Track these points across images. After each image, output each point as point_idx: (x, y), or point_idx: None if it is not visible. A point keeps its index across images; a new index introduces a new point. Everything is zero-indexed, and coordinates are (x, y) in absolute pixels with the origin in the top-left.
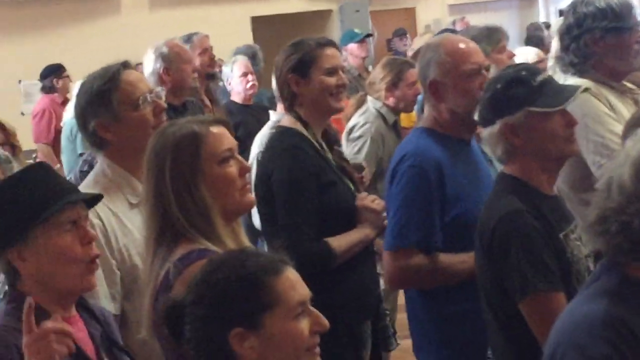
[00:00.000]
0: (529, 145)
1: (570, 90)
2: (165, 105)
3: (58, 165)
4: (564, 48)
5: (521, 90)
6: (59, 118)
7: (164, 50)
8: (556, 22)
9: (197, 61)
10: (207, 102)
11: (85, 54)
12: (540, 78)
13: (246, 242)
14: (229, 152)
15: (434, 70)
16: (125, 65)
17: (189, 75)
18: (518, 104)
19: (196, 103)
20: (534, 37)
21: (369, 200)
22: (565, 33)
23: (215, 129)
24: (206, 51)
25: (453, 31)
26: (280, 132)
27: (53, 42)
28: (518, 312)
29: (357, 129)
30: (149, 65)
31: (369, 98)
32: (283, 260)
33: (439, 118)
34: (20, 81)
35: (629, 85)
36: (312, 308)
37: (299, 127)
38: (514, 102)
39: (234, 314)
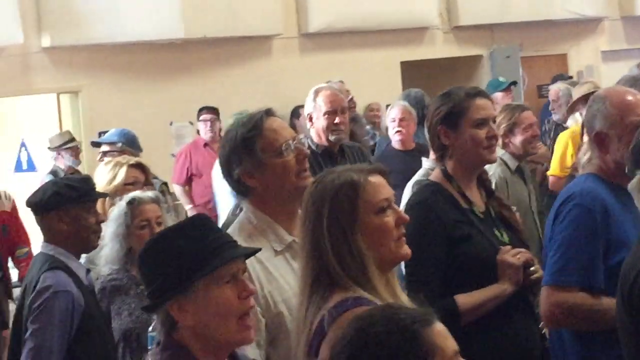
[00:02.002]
0: None
1: None
2: (308, 152)
3: (190, 207)
4: None
5: None
6: (194, 160)
7: (317, 95)
8: None
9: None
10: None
11: (236, 96)
12: None
13: (400, 292)
14: (386, 202)
15: (600, 122)
16: (268, 112)
17: (332, 124)
18: None
19: (355, 148)
20: None
21: (511, 254)
22: None
23: (373, 179)
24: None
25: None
26: (420, 187)
27: (204, 84)
28: None
29: None
30: (306, 107)
31: None
32: (430, 312)
33: (604, 168)
34: (171, 123)
35: None
36: (462, 359)
37: (444, 182)
38: None
39: None
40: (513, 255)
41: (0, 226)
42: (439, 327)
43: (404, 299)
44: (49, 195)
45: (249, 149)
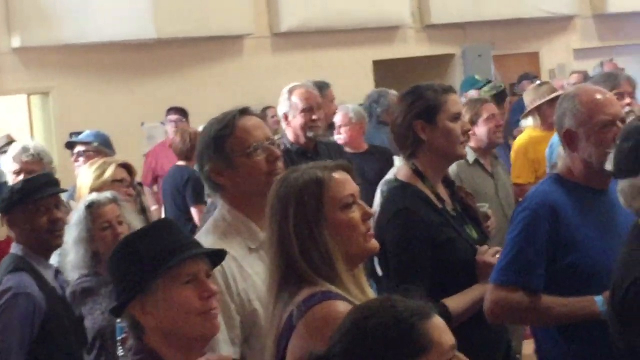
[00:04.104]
0: None
1: None
2: (279, 153)
3: (155, 207)
4: None
5: None
6: (160, 161)
7: (292, 94)
8: None
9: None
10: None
11: (207, 96)
12: None
13: (368, 287)
14: (351, 198)
15: (569, 120)
16: (243, 111)
17: (310, 121)
18: None
19: (331, 145)
20: None
21: (489, 254)
22: None
23: (337, 175)
24: (332, 102)
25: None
26: (396, 190)
27: (175, 84)
28: None
29: None
30: (280, 107)
31: None
32: (429, 306)
33: (572, 167)
34: (142, 124)
35: None
36: (458, 353)
37: (415, 180)
38: None
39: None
40: (492, 255)
41: None
42: (437, 321)
43: (371, 294)
44: None
45: (219, 147)
